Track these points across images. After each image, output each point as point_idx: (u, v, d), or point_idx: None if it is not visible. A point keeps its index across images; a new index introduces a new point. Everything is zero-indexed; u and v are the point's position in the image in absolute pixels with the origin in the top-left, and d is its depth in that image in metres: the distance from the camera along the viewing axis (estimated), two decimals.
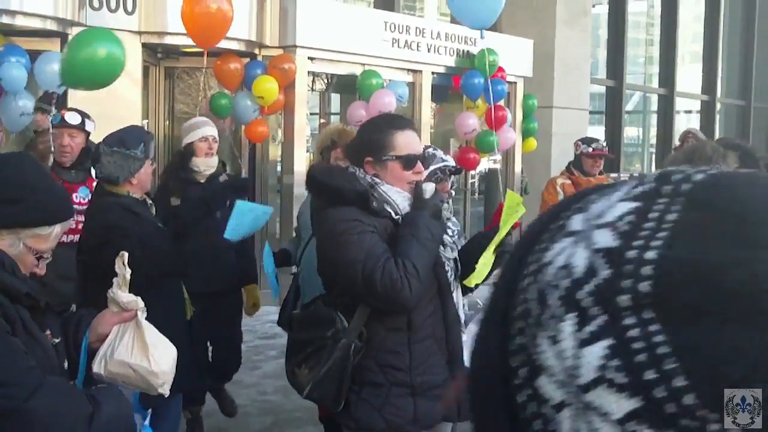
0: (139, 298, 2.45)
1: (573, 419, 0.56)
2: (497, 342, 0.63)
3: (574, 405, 0.56)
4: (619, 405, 0.54)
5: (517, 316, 0.62)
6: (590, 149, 6.09)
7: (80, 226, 4.73)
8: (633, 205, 0.60)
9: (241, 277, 5.34)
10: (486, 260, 3.28)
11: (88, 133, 4.96)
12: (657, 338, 0.53)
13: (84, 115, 4.94)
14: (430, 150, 3.89)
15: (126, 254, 2.45)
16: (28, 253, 2.25)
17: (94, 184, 4.87)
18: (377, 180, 3.04)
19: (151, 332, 2.43)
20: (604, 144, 6.33)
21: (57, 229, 2.31)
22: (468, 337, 3.37)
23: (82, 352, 2.42)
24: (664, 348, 0.53)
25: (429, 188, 3.06)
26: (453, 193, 3.96)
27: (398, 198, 3.03)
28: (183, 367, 4.19)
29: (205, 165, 5.16)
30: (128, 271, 2.43)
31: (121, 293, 2.43)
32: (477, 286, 3.45)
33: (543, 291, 0.60)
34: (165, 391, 2.43)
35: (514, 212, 3.41)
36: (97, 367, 2.38)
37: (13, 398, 1.96)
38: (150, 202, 4.22)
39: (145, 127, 8.39)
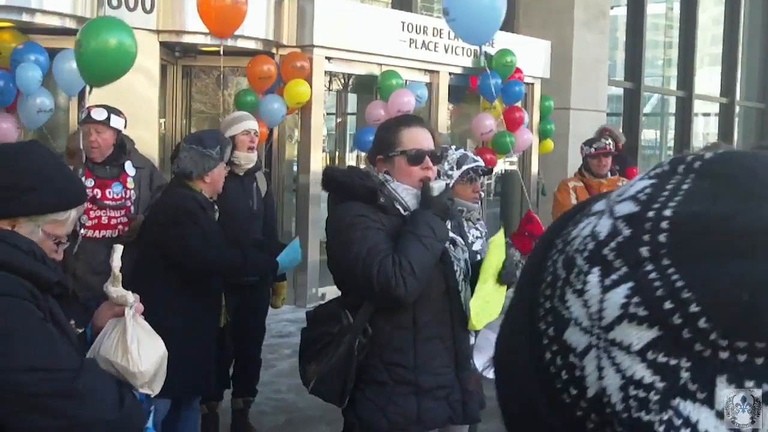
0: (129, 293, 2.41)
1: (597, 359, 0.62)
2: (526, 313, 0.69)
3: (598, 345, 0.62)
4: (640, 336, 0.60)
5: (545, 285, 0.68)
6: (592, 150, 6.02)
7: (113, 222, 4.83)
8: (650, 181, 0.67)
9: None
10: (487, 298, 3.13)
11: (117, 129, 4.95)
12: (673, 277, 0.60)
13: (111, 111, 4.95)
14: (461, 151, 3.92)
15: (121, 247, 2.44)
16: (47, 239, 2.28)
17: (129, 179, 4.98)
18: (387, 177, 3.07)
19: (136, 330, 2.36)
20: (608, 142, 6.23)
21: (73, 213, 2.34)
22: (477, 340, 3.34)
23: (88, 341, 2.47)
24: (679, 282, 0.59)
25: (437, 186, 3.04)
26: (482, 194, 3.94)
27: (406, 195, 3.04)
28: (206, 372, 4.27)
29: (247, 159, 5.24)
30: (119, 265, 2.41)
31: (112, 288, 2.40)
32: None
33: (571, 257, 0.66)
34: (151, 390, 2.40)
35: (499, 250, 3.26)
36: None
37: (62, 380, 2.03)
38: (216, 207, 4.34)
39: (162, 126, 8.45)
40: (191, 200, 4.18)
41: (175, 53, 8.77)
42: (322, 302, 3.51)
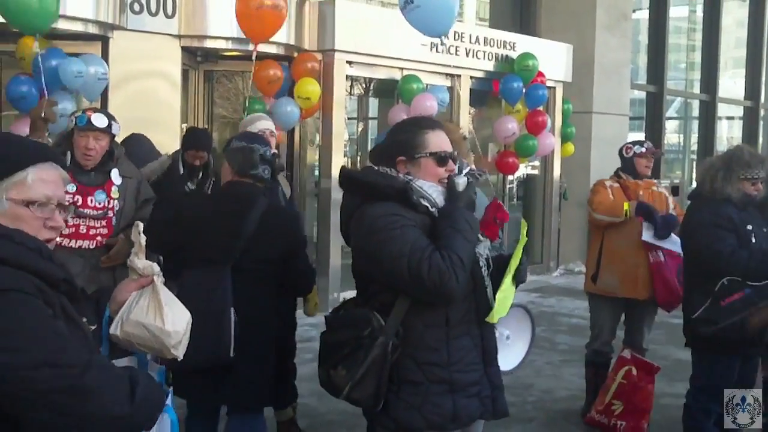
0: (155, 264, 2.51)
1: None
2: None
3: None
4: None
5: None
6: (644, 149, 6.08)
7: (91, 232, 4.62)
8: None
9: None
10: (506, 294, 3.17)
11: (113, 136, 4.75)
12: None
13: (110, 117, 4.74)
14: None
15: (141, 224, 2.52)
16: (17, 207, 2.16)
17: (113, 188, 4.73)
18: (410, 177, 3.07)
19: (166, 294, 2.49)
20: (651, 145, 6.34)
21: (32, 172, 2.17)
22: (499, 335, 3.35)
23: (104, 324, 2.49)
24: None
25: (462, 181, 3.08)
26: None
27: (434, 192, 3.06)
28: (266, 381, 4.20)
29: None
30: (143, 238, 2.50)
31: (138, 260, 2.49)
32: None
33: None
34: (178, 353, 2.48)
35: (523, 240, 3.31)
36: (114, 329, 2.45)
37: (70, 376, 2.01)
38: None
39: (183, 131, 8.45)
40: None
41: (197, 58, 8.79)
42: None
